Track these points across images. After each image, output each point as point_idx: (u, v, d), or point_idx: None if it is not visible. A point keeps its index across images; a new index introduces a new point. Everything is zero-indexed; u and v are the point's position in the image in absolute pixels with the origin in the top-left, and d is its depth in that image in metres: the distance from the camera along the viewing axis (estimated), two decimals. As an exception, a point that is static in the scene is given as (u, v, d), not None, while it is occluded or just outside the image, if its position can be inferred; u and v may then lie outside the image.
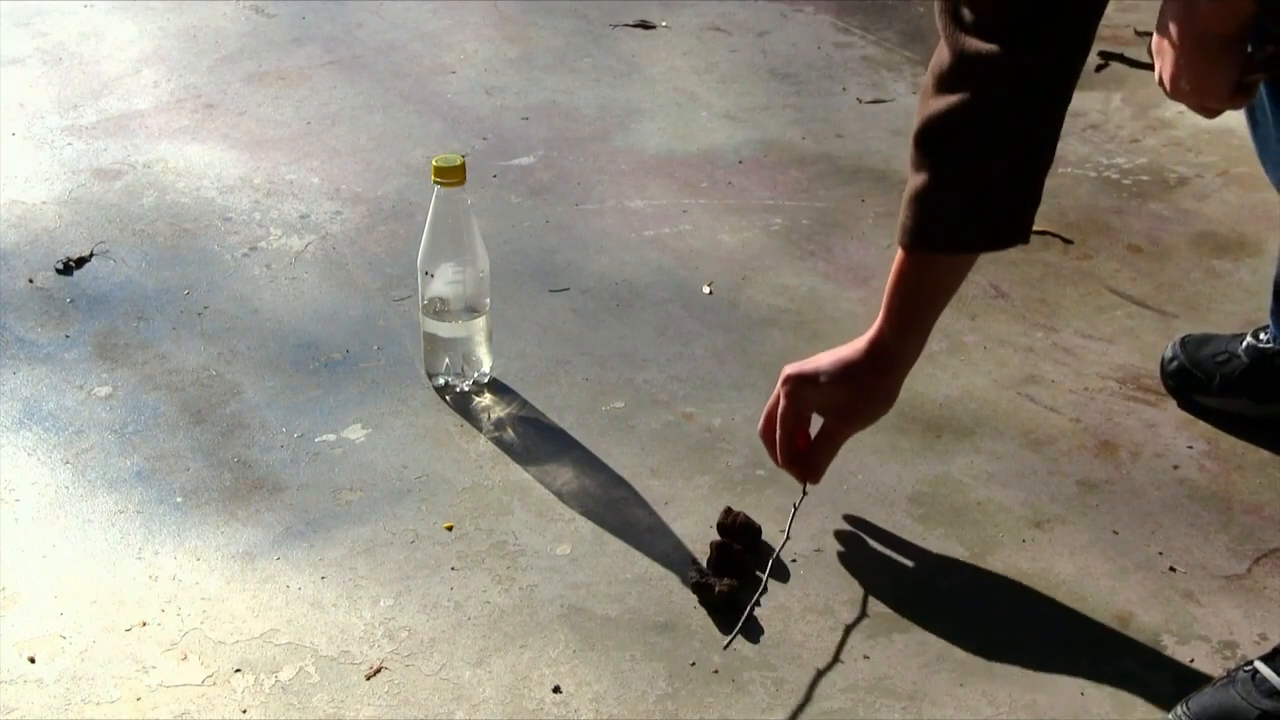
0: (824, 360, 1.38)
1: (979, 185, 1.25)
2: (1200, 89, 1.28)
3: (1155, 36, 1.32)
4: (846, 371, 1.36)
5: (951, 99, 1.22)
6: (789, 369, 1.39)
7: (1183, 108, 1.37)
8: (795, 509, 1.46)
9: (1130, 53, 2.58)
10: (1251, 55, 1.26)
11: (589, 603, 1.38)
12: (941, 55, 1.23)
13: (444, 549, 1.44)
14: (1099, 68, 2.20)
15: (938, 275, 1.33)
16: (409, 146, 2.28)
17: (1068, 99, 1.24)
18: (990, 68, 1.19)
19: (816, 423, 1.42)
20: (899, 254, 1.31)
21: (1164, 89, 1.34)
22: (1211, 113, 1.34)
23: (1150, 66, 1.34)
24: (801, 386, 1.38)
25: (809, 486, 1.46)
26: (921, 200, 1.26)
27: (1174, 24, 1.25)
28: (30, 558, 1.43)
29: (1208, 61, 1.25)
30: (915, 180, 1.27)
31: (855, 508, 1.50)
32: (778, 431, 1.41)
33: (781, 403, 1.40)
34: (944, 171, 1.25)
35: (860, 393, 1.38)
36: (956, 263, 1.33)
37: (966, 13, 1.20)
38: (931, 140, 1.25)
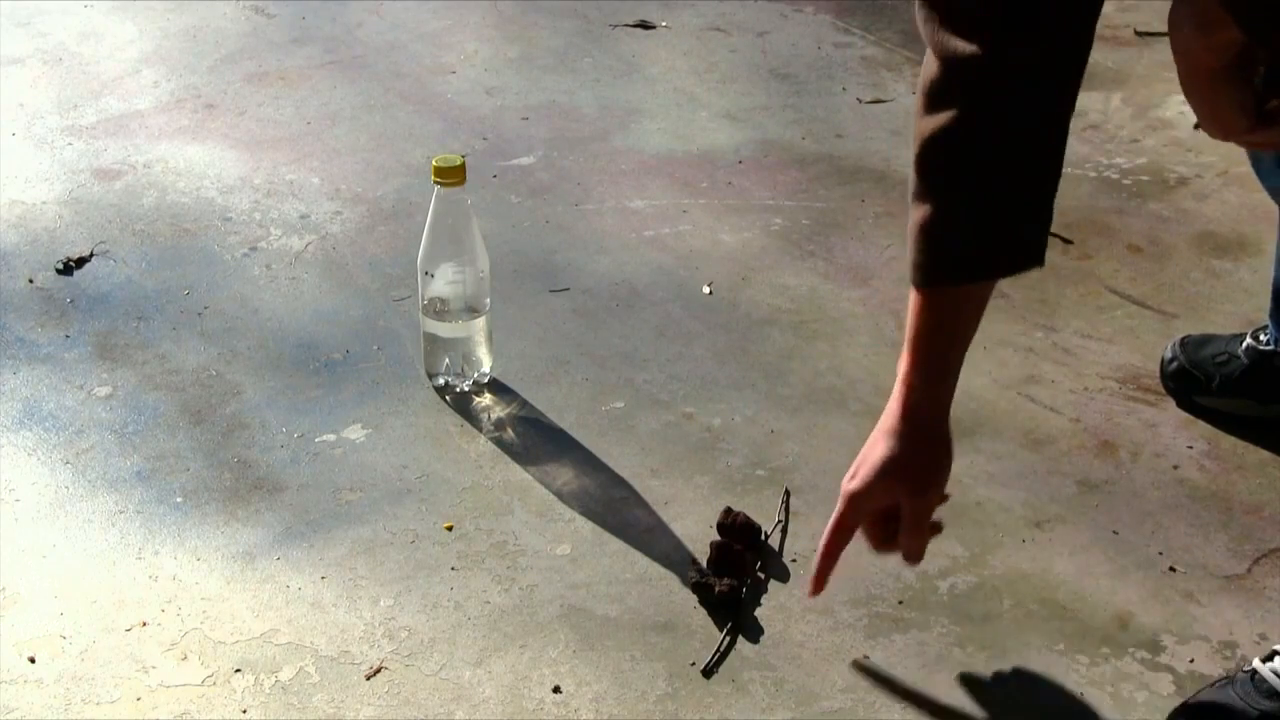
0: (866, 461, 1.26)
1: (988, 206, 1.18)
2: (1220, 123, 1.26)
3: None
4: (892, 457, 1.24)
5: (946, 114, 1.15)
6: (847, 487, 1.26)
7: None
8: (784, 502, 1.48)
9: (1130, 54, 2.59)
10: (1255, 83, 1.25)
11: (589, 603, 1.38)
12: (929, 67, 1.16)
13: (444, 549, 1.44)
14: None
15: (957, 310, 1.24)
16: (409, 146, 2.28)
17: (1070, 103, 1.18)
18: (982, 70, 1.12)
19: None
20: (913, 296, 1.23)
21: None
22: (1259, 145, 1.30)
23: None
24: (860, 500, 1.26)
25: (790, 486, 1.48)
26: (929, 231, 1.19)
27: (1177, 66, 1.25)
28: (30, 558, 1.43)
29: (1215, 95, 1.23)
30: (919, 211, 1.20)
31: (855, 508, 1.50)
32: (871, 533, 1.29)
33: (846, 518, 1.27)
34: (950, 195, 1.18)
35: (912, 462, 1.25)
36: (975, 294, 1.24)
37: (950, 14, 1.13)
38: (932, 162, 1.18)
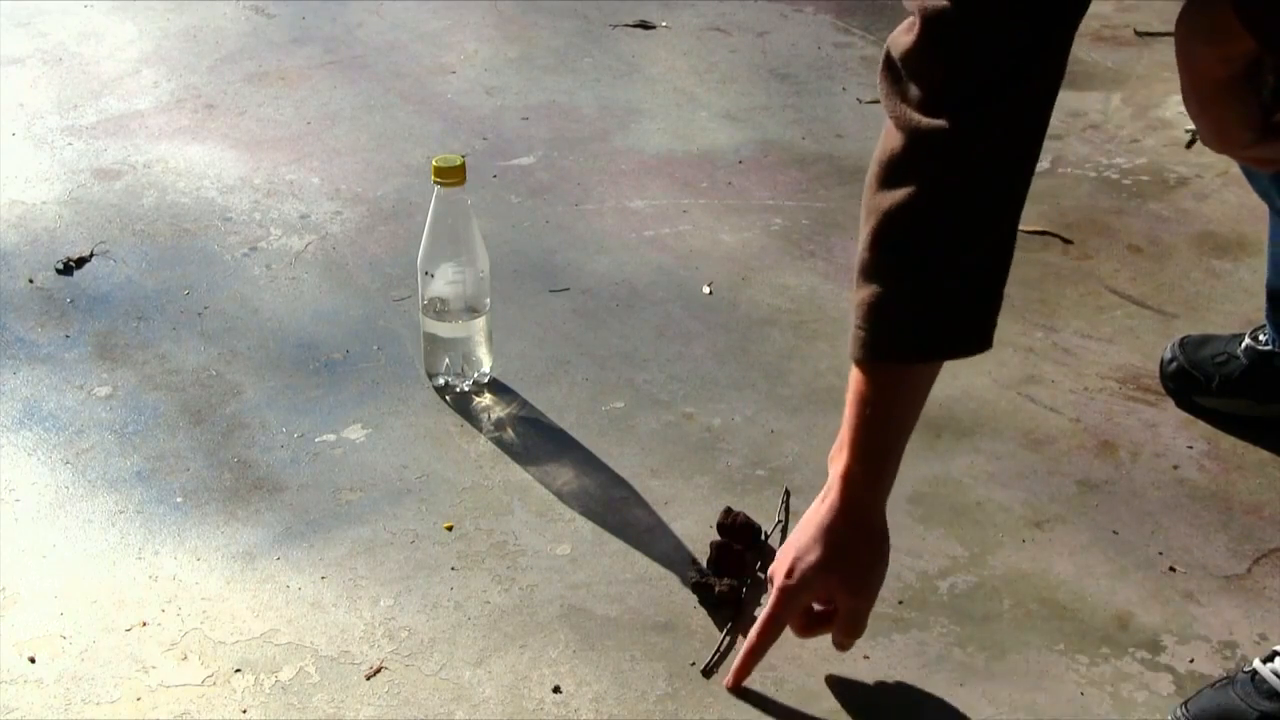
0: (803, 558, 1.22)
1: (945, 283, 1.15)
2: (1222, 136, 1.23)
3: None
4: (830, 557, 1.22)
5: (907, 189, 1.13)
6: (784, 584, 1.24)
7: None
8: (783, 502, 1.48)
9: (1130, 54, 2.59)
10: (1264, 94, 1.23)
11: (589, 603, 1.38)
12: (890, 140, 1.14)
13: (444, 549, 1.44)
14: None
15: (902, 390, 1.20)
16: (409, 146, 2.28)
17: (1026, 183, 1.16)
18: (947, 146, 1.11)
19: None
20: (854, 376, 1.20)
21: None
22: (1259, 162, 1.27)
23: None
24: (796, 597, 1.24)
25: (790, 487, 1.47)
26: (880, 306, 1.16)
27: (1180, 75, 1.22)
28: (30, 558, 1.43)
29: (1220, 107, 1.20)
30: (869, 287, 1.16)
31: (855, 508, 1.50)
32: (799, 625, 1.27)
33: (781, 613, 1.25)
34: (907, 271, 1.15)
35: (853, 562, 1.23)
36: (919, 376, 1.21)
37: (914, 90, 1.11)
38: (889, 237, 1.15)
